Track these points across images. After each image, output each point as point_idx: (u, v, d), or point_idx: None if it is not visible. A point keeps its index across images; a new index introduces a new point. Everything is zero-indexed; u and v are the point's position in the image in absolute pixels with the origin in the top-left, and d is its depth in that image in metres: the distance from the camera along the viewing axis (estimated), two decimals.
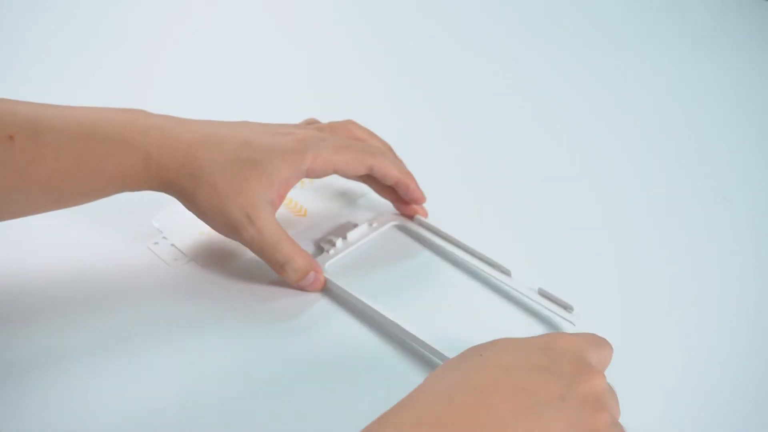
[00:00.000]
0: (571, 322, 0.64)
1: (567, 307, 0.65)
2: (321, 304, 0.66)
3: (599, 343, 0.56)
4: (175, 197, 0.65)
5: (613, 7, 1.06)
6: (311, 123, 0.73)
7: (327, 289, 0.67)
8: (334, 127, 0.70)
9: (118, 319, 0.65)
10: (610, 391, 0.53)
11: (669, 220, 0.75)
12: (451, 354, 0.60)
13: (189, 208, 0.65)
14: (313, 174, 0.66)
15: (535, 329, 0.64)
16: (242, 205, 0.63)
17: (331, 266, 0.68)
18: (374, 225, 0.72)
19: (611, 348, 0.57)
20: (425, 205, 0.73)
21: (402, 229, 0.72)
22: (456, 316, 0.65)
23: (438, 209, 0.73)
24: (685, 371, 0.62)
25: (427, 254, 0.70)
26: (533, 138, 0.84)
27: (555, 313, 0.64)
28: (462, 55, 0.97)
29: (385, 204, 0.74)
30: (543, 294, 0.66)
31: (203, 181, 0.63)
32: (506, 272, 0.67)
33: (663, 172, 0.81)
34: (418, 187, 0.71)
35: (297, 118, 0.76)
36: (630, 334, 0.64)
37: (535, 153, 0.82)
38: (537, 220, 0.75)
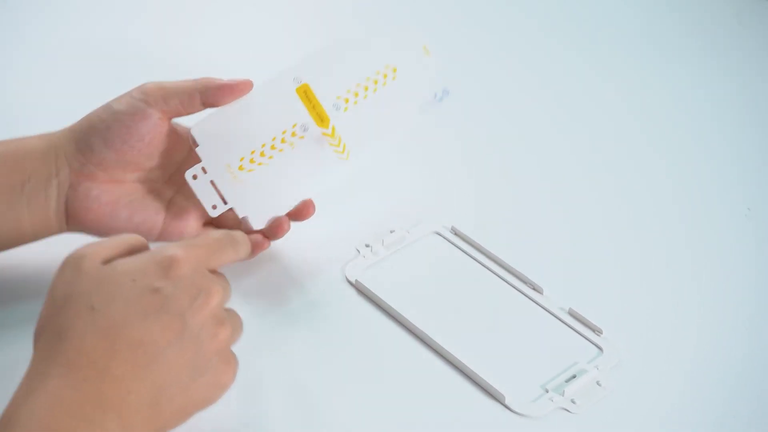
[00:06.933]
0: (599, 347, 0.64)
1: (596, 330, 0.65)
2: (355, 305, 0.67)
3: (220, 246, 0.53)
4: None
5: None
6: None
7: (361, 294, 0.68)
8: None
9: None
10: (226, 308, 0.52)
11: (704, 247, 0.75)
12: (478, 369, 0.61)
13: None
14: None
15: (563, 350, 0.64)
16: None
17: (367, 271, 0.69)
18: (411, 232, 0.73)
19: (238, 243, 0.55)
20: None
21: (439, 238, 0.73)
22: (485, 330, 0.66)
23: (476, 223, 0.74)
24: (714, 400, 0.63)
25: (461, 266, 0.71)
26: (572, 162, 0.84)
27: (584, 336, 0.65)
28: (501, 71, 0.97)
29: (422, 212, 0.74)
30: (573, 314, 0.66)
31: None
32: (539, 290, 0.68)
33: (700, 199, 0.81)
34: None
35: None
36: (659, 361, 0.65)
37: (576, 178, 0.82)
38: (573, 240, 0.75)
